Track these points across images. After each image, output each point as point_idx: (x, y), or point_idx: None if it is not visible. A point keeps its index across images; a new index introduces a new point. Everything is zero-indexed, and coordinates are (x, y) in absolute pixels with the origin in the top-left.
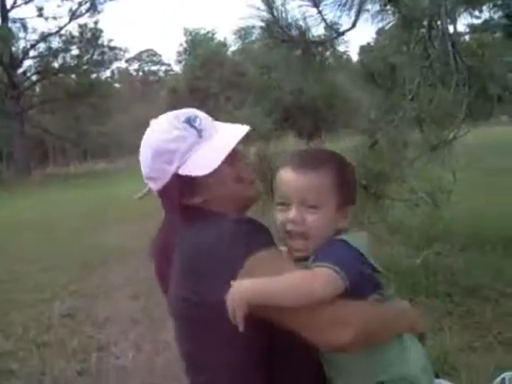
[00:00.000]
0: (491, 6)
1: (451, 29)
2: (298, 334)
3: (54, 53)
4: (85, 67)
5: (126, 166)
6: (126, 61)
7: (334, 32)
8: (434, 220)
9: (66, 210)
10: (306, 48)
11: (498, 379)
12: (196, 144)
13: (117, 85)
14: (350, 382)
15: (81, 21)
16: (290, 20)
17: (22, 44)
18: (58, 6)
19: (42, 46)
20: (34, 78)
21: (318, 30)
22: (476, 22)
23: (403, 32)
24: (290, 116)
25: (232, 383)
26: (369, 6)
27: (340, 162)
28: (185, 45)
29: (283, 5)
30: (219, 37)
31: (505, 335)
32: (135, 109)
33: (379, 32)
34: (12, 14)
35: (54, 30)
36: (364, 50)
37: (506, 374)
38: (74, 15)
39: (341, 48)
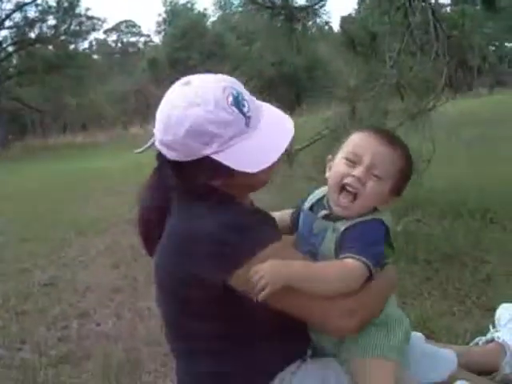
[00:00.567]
0: None
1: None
2: (303, 320)
3: (31, 23)
4: (62, 38)
5: (105, 139)
6: (105, 32)
7: None
8: (415, 188)
9: (45, 183)
10: (289, 14)
11: (472, 343)
12: (242, 133)
13: (95, 56)
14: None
15: None
16: None
17: None
18: None
19: (17, 16)
20: (10, 48)
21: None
22: None
23: (385, 1)
24: (270, 85)
25: (212, 353)
26: None
27: (410, 154)
28: (164, 15)
29: None
30: (199, 7)
31: (483, 300)
32: (115, 81)
33: (360, 2)
34: None
35: None
36: (345, 20)
37: (480, 339)
38: None
39: (323, 18)
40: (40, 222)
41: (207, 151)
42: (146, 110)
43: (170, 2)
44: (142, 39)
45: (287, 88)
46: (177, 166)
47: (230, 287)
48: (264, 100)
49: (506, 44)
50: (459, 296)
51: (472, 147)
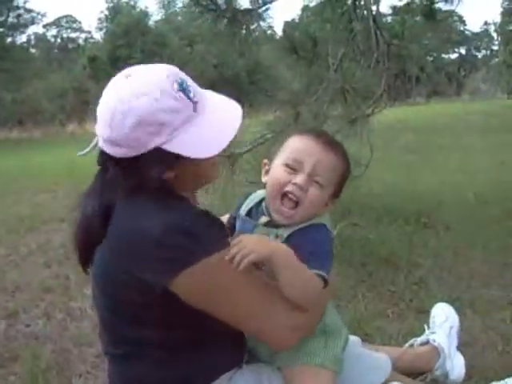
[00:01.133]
0: None
1: (374, 8)
2: (244, 329)
3: None
4: None
5: (40, 136)
6: (44, 26)
7: (262, 1)
8: (351, 192)
9: None
10: (232, 17)
11: (407, 345)
12: (191, 119)
13: (33, 50)
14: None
15: None
16: None
17: None
18: None
19: None
20: None
21: (244, 3)
22: (399, 3)
23: (328, 8)
24: (212, 87)
25: (146, 359)
26: None
27: (349, 160)
28: (106, 12)
29: None
30: (141, 5)
31: (416, 303)
32: (53, 76)
33: (304, 8)
34: None
35: None
36: (288, 25)
37: (415, 340)
38: None
39: (267, 22)
40: None
41: (156, 142)
42: (85, 108)
43: None
44: (83, 35)
45: (229, 91)
46: (123, 162)
47: (170, 293)
48: None
49: (443, 55)
50: (393, 298)
51: (408, 154)
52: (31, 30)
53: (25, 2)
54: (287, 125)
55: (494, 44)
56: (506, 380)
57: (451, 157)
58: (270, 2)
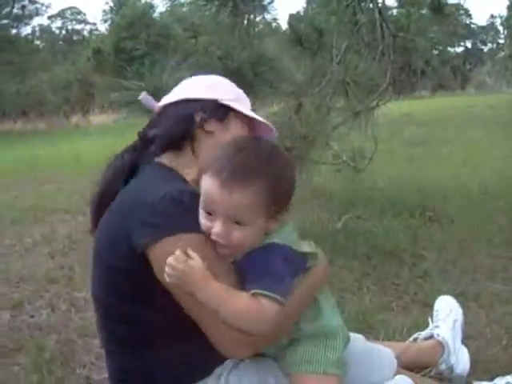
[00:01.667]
0: None
1: (380, 0)
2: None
3: None
4: (4, 21)
5: (45, 127)
6: (49, 18)
7: None
8: (355, 185)
9: None
10: (235, 6)
11: (411, 339)
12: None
13: (38, 42)
14: None
15: None
16: None
17: None
18: None
19: None
20: None
21: None
22: None
23: (333, 0)
24: None
25: (143, 344)
26: None
27: (277, 171)
28: (111, 3)
29: None
30: None
31: (420, 296)
32: (57, 68)
33: (309, 1)
34: None
35: None
36: (293, 17)
37: (419, 334)
38: None
39: (271, 14)
40: None
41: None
42: (89, 100)
43: None
44: (88, 27)
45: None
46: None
47: (147, 258)
48: None
49: (449, 49)
50: (397, 291)
51: (412, 147)
52: (36, 21)
53: None
54: (289, 116)
55: (500, 37)
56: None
57: (456, 150)
58: None
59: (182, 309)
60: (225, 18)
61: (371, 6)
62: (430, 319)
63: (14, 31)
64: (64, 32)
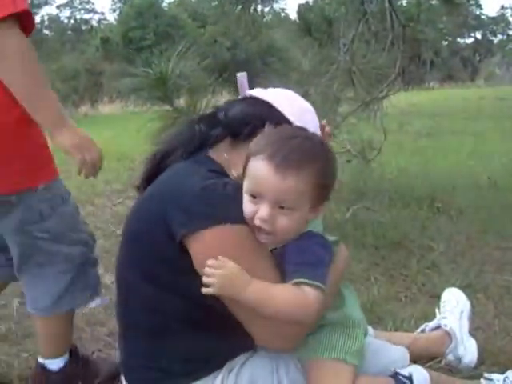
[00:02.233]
0: None
1: None
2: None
3: None
4: None
5: None
6: (57, 7)
7: None
8: (364, 176)
9: None
10: None
11: (419, 330)
12: None
13: (46, 32)
14: None
15: None
16: None
17: None
18: None
19: None
20: None
21: None
22: None
23: None
24: (224, 69)
25: (157, 332)
26: None
27: (325, 160)
28: None
29: None
30: None
31: (428, 287)
32: (66, 58)
33: None
34: None
35: None
36: (303, 7)
37: (426, 325)
38: None
39: (280, 3)
40: None
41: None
42: (98, 89)
43: None
44: (96, 17)
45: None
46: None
47: (184, 250)
48: (217, 83)
49: (459, 40)
50: (405, 282)
51: (421, 138)
52: (44, 10)
53: None
54: None
55: (510, 29)
56: None
57: (465, 142)
58: None
59: (204, 299)
60: (232, 8)
61: None
62: (437, 310)
63: None
64: (72, 21)
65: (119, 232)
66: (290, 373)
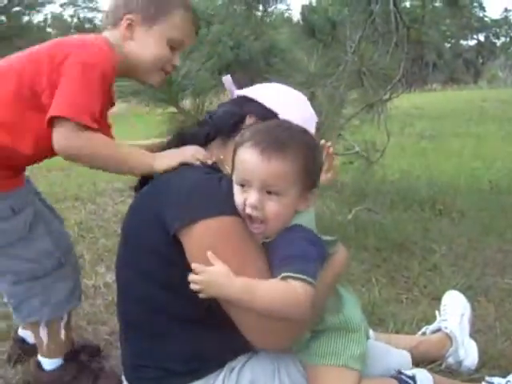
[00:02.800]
0: None
1: None
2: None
3: None
4: (16, 9)
5: None
6: (61, 5)
7: None
8: (366, 178)
9: None
10: None
11: (420, 333)
12: None
13: (50, 30)
14: None
15: None
16: None
17: None
18: None
19: None
20: None
21: None
22: None
23: None
24: (228, 69)
25: (159, 332)
26: None
27: (308, 144)
28: None
29: None
30: None
31: (429, 289)
32: None
33: None
34: None
35: None
36: (306, 8)
37: (427, 328)
38: None
39: (284, 3)
40: None
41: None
42: None
43: None
44: (99, 15)
45: (243, 73)
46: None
47: (178, 243)
48: (221, 83)
49: (462, 42)
50: (407, 284)
51: (424, 140)
52: (48, 9)
53: None
54: None
55: None
56: None
57: (467, 144)
58: None
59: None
60: (237, 8)
61: None
62: (437, 312)
63: (26, 18)
64: (76, 20)
65: None
66: (292, 375)
